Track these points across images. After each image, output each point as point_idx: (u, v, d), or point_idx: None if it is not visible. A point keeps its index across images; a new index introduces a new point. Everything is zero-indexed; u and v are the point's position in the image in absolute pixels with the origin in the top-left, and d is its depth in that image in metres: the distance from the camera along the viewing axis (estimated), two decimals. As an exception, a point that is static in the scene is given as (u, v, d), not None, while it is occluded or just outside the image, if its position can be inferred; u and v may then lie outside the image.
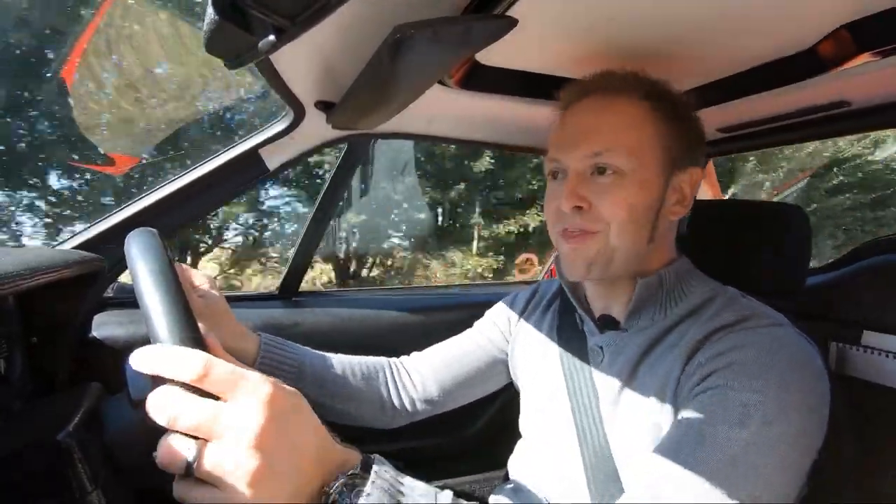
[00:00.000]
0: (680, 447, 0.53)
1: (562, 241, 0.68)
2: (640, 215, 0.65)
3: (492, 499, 0.85)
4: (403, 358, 0.93)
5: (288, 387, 0.42)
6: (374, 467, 0.43)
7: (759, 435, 0.50)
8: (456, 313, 1.30)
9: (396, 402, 0.87)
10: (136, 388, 0.50)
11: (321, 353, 0.85)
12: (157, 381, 0.39)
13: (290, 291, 1.28)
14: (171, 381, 0.38)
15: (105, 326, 0.97)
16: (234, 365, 0.39)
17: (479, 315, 0.97)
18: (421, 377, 0.89)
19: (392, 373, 0.89)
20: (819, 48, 0.66)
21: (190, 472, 0.36)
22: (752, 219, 0.81)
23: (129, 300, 1.04)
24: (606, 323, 0.72)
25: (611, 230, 0.64)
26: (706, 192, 1.63)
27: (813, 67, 0.69)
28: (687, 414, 0.55)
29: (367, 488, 0.41)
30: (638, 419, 0.63)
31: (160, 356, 0.38)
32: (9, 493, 0.46)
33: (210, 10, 0.42)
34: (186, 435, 0.37)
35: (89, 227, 0.96)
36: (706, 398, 0.54)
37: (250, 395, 0.38)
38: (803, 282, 0.78)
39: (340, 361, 0.85)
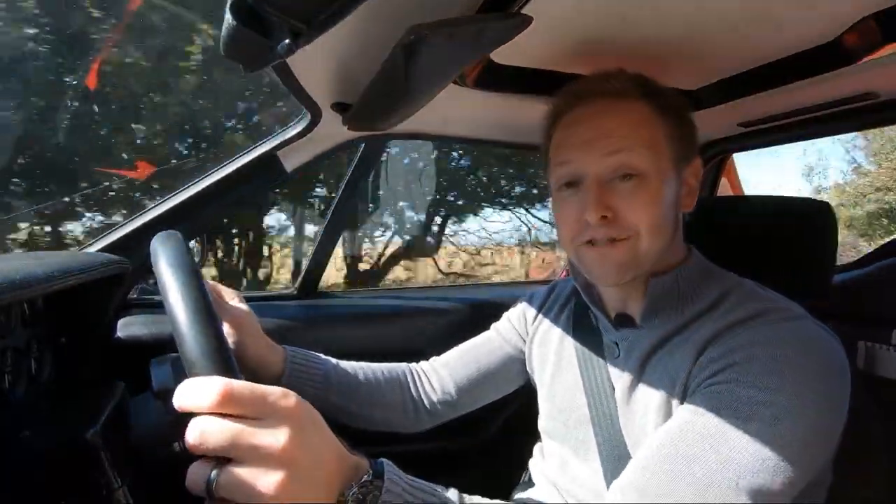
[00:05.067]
0: (681, 440, 0.52)
1: (584, 249, 0.67)
2: (667, 215, 0.64)
3: (514, 498, 0.85)
4: (423, 363, 0.94)
5: (303, 399, 0.42)
6: (387, 474, 0.43)
7: (767, 432, 0.49)
8: (473, 312, 1.30)
9: (419, 405, 0.88)
10: (158, 380, 0.52)
11: (344, 361, 0.86)
12: (180, 374, 0.40)
13: (308, 291, 1.29)
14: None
15: (130, 327, 0.99)
16: (253, 384, 0.40)
17: (496, 314, 0.96)
18: (440, 380, 0.89)
19: (413, 377, 0.90)
20: (844, 39, 0.64)
21: (210, 492, 0.38)
22: (776, 215, 0.79)
23: (153, 302, 1.06)
24: (623, 321, 0.72)
25: (641, 236, 0.63)
26: (727, 188, 1.60)
27: (838, 59, 0.67)
28: (693, 407, 0.54)
29: (383, 496, 0.42)
30: (649, 414, 0.62)
31: (184, 391, 0.40)
32: (38, 490, 0.47)
33: (228, 16, 0.42)
34: (214, 458, 0.38)
35: (114, 230, 0.98)
36: (715, 393, 0.54)
37: (273, 410, 0.39)
38: (830, 280, 0.76)
39: (363, 369, 0.86)
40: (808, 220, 0.75)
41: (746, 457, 0.49)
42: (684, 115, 0.68)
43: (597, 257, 0.66)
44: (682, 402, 0.58)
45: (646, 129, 0.63)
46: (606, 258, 0.65)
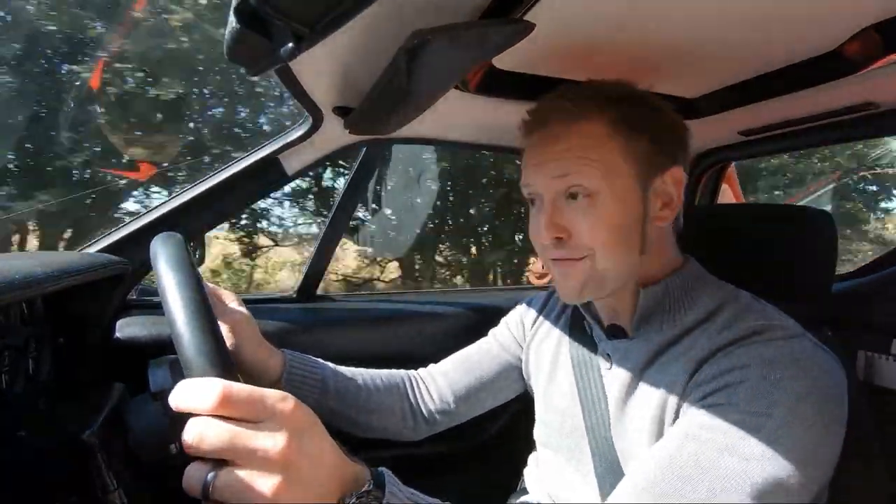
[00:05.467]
0: (672, 463, 0.52)
1: (552, 265, 0.68)
2: (624, 233, 0.63)
3: None
4: (421, 370, 0.93)
5: (302, 403, 0.42)
6: (388, 486, 0.43)
7: (758, 457, 0.49)
8: (472, 317, 1.29)
9: (417, 414, 0.88)
10: (155, 382, 0.52)
11: (343, 367, 0.85)
12: (178, 375, 0.40)
13: (308, 294, 1.29)
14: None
15: (128, 328, 0.99)
16: (251, 387, 0.40)
17: (495, 318, 0.96)
18: (438, 389, 0.89)
19: (411, 385, 0.90)
20: (845, 49, 0.64)
21: (207, 494, 0.37)
22: (775, 222, 0.79)
23: (152, 303, 1.06)
24: (615, 332, 0.71)
25: (596, 255, 0.63)
26: (728, 196, 1.61)
27: (839, 69, 0.67)
28: (686, 429, 0.54)
29: None
30: (642, 427, 0.62)
31: (182, 391, 0.39)
32: (34, 491, 0.47)
33: (231, 19, 0.43)
34: (211, 459, 0.38)
35: (114, 231, 0.98)
36: (707, 415, 0.53)
37: (271, 413, 0.39)
38: (829, 288, 0.76)
39: (362, 375, 0.86)
40: (807, 228, 0.75)
41: (737, 481, 0.48)
42: (658, 124, 0.65)
43: (558, 275, 0.67)
44: (674, 420, 0.58)
45: (598, 149, 0.62)
46: (567, 277, 0.66)
